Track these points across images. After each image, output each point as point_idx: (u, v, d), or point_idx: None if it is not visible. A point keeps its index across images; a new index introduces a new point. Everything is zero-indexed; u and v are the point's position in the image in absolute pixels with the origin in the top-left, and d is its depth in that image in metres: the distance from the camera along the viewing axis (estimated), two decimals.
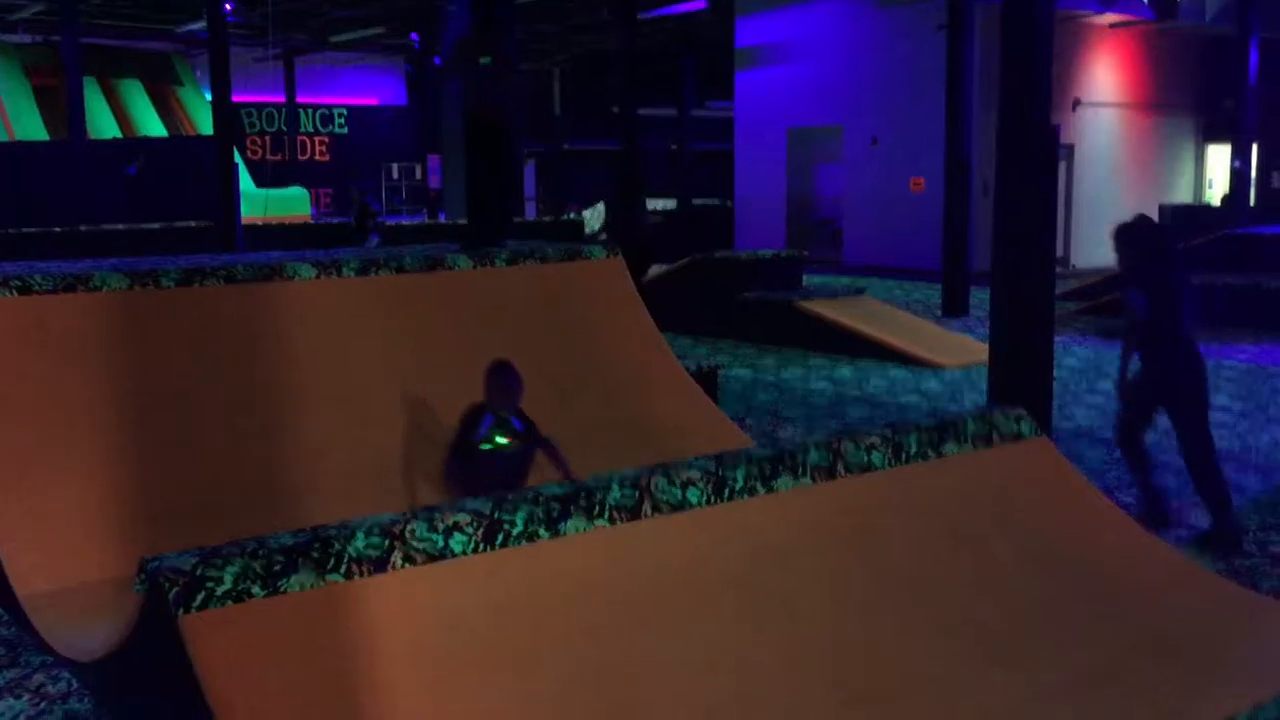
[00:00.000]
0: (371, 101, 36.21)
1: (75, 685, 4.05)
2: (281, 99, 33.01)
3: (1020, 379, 6.28)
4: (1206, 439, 5.65)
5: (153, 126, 28.60)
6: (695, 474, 4.07)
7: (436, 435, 5.56)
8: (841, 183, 22.10)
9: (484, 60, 7.40)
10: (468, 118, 7.52)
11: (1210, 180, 23.12)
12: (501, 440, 5.08)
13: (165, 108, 29.78)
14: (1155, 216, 20.82)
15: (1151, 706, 3.70)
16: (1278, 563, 5.16)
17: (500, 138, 7.46)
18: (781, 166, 23.03)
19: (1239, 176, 19.13)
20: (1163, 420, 5.82)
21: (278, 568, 3.18)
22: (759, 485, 4.17)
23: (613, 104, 19.78)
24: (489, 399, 5.08)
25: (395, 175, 35.43)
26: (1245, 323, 12.58)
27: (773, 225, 22.93)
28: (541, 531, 3.66)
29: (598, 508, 3.80)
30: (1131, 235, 5.76)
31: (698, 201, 25.14)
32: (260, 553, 3.20)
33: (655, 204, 22.60)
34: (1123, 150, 21.79)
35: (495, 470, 5.05)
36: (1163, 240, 5.81)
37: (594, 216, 24.65)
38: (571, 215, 24.13)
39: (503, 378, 5.09)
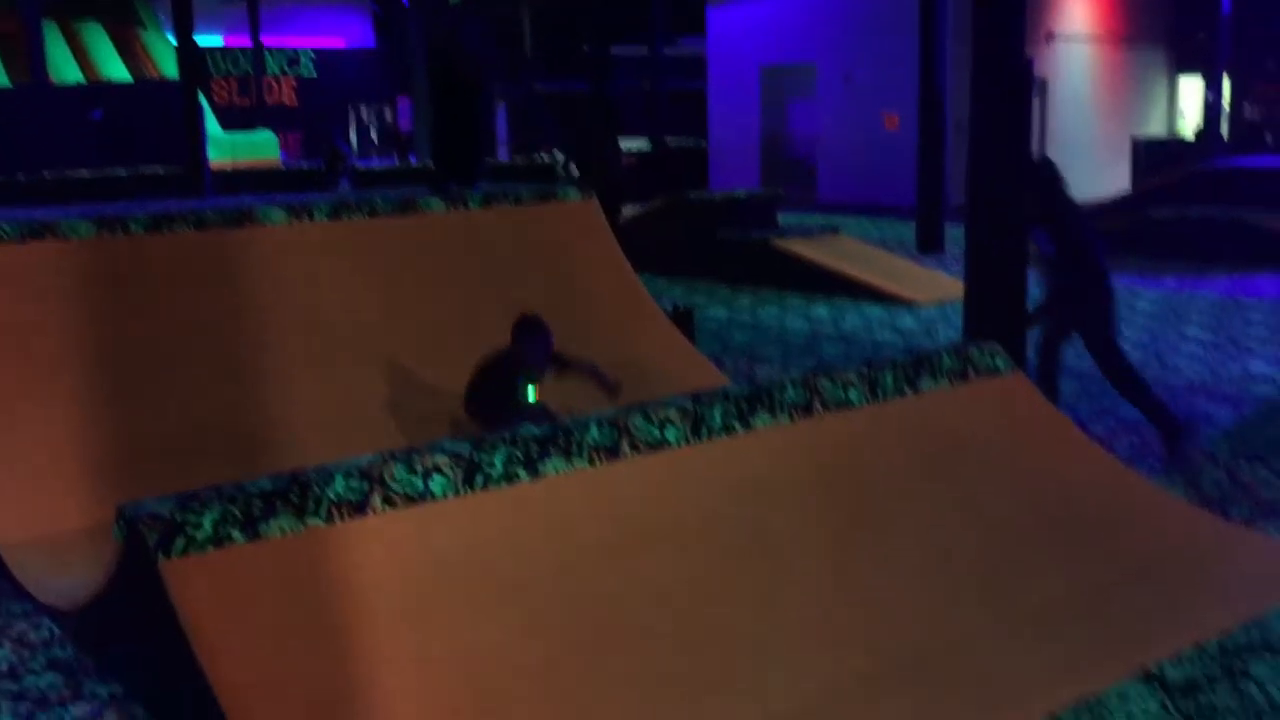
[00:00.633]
0: (339, 43, 35.64)
1: (57, 633, 4.05)
2: (247, 42, 32.44)
3: (995, 314, 6.30)
4: (1118, 354, 6.00)
5: (116, 70, 28.08)
6: (673, 413, 4.08)
7: (414, 377, 5.55)
8: (816, 120, 21.98)
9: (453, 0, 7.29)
10: (432, 58, 7.41)
11: (1183, 112, 23.13)
12: (532, 400, 4.96)
13: (128, 51, 29.20)
14: (1129, 150, 20.88)
15: (1125, 633, 3.77)
16: (1248, 491, 5.24)
17: (468, 77, 7.35)
18: (755, 105, 22.88)
19: (1211, 109, 19.15)
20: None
21: (257, 512, 3.18)
22: (737, 424, 4.19)
23: (584, 44, 19.54)
24: (520, 359, 4.90)
25: (365, 118, 34.97)
26: (1218, 255, 12.66)
27: (747, 164, 22.82)
28: (521, 472, 3.67)
29: (576, 448, 3.81)
30: (1036, 176, 6.14)
31: (671, 141, 24.97)
32: (239, 497, 3.20)
33: (629, 144, 22.43)
34: (1096, 84, 21.74)
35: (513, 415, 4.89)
36: (1061, 179, 6.13)
37: (568, 158, 24.42)
38: (544, 157, 23.92)
39: (537, 337, 4.92)
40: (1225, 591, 4.19)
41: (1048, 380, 6.10)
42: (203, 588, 3.01)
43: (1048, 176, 6.11)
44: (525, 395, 4.99)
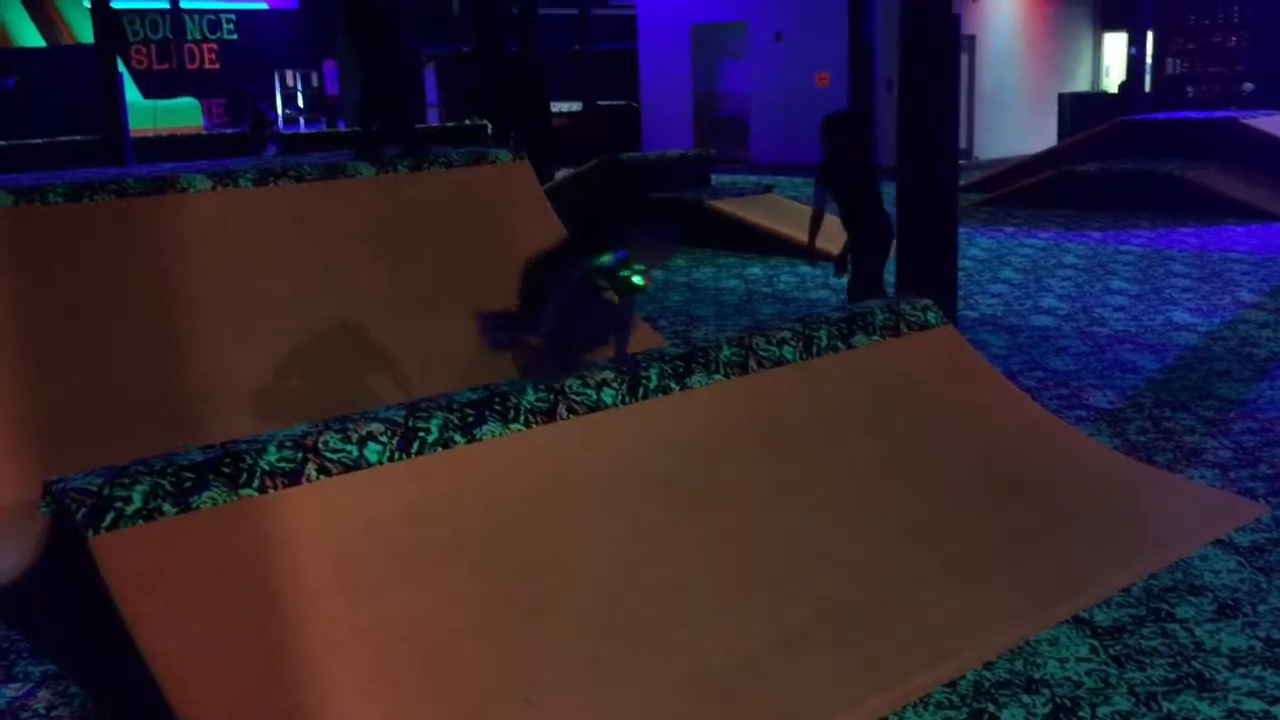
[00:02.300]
0: (261, 5, 34.82)
1: None
2: (165, 5, 31.56)
3: (926, 270, 6.38)
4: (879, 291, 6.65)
5: (29, 37, 27.21)
6: (609, 375, 4.08)
7: (346, 344, 5.47)
8: (748, 80, 21.95)
9: None
10: (349, 16, 7.25)
11: (1108, 68, 23.43)
12: (637, 280, 3.85)
13: (42, 16, 28.32)
14: (1055, 105, 21.14)
15: (1056, 579, 3.86)
16: (1170, 437, 5.37)
17: (385, 34, 7.19)
18: (686, 65, 22.77)
19: (1135, 64, 19.41)
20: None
21: (188, 484, 3.13)
22: (673, 383, 4.20)
23: (512, 4, 19.28)
24: (633, 248, 3.96)
25: (291, 82, 34.27)
26: (1141, 207, 12.89)
27: (679, 125, 22.74)
28: (457, 438, 3.65)
29: (513, 412, 3.80)
30: (835, 127, 6.65)
31: (603, 103, 24.80)
32: (169, 470, 3.14)
33: (560, 106, 22.24)
34: (1023, 40, 21.93)
35: (594, 320, 4.04)
36: (859, 131, 6.82)
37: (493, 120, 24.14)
38: (473, 120, 23.66)
39: (660, 233, 4.44)
40: (1151, 536, 4.30)
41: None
42: (134, 562, 2.96)
43: (847, 127, 6.66)
44: (627, 277, 3.87)
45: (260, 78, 32.10)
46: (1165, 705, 3.15)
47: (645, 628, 3.38)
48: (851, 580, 3.73)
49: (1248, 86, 20.20)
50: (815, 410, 4.49)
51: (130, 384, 5.20)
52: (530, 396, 3.86)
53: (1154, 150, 13.90)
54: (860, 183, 6.65)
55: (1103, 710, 3.14)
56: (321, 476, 3.34)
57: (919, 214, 6.42)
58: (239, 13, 34.17)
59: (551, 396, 3.90)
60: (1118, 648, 3.46)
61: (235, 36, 34.13)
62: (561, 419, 3.88)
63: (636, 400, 4.07)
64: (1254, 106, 17.36)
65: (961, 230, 6.37)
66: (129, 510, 3.02)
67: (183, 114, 24.78)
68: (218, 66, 33.72)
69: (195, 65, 33.24)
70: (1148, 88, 19.76)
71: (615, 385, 4.05)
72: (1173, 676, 3.29)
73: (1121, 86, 20.83)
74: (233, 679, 2.89)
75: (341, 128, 21.83)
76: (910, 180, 6.44)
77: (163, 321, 5.48)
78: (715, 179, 14.16)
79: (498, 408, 3.78)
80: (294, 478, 3.30)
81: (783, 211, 12.20)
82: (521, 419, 3.80)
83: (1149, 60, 20.13)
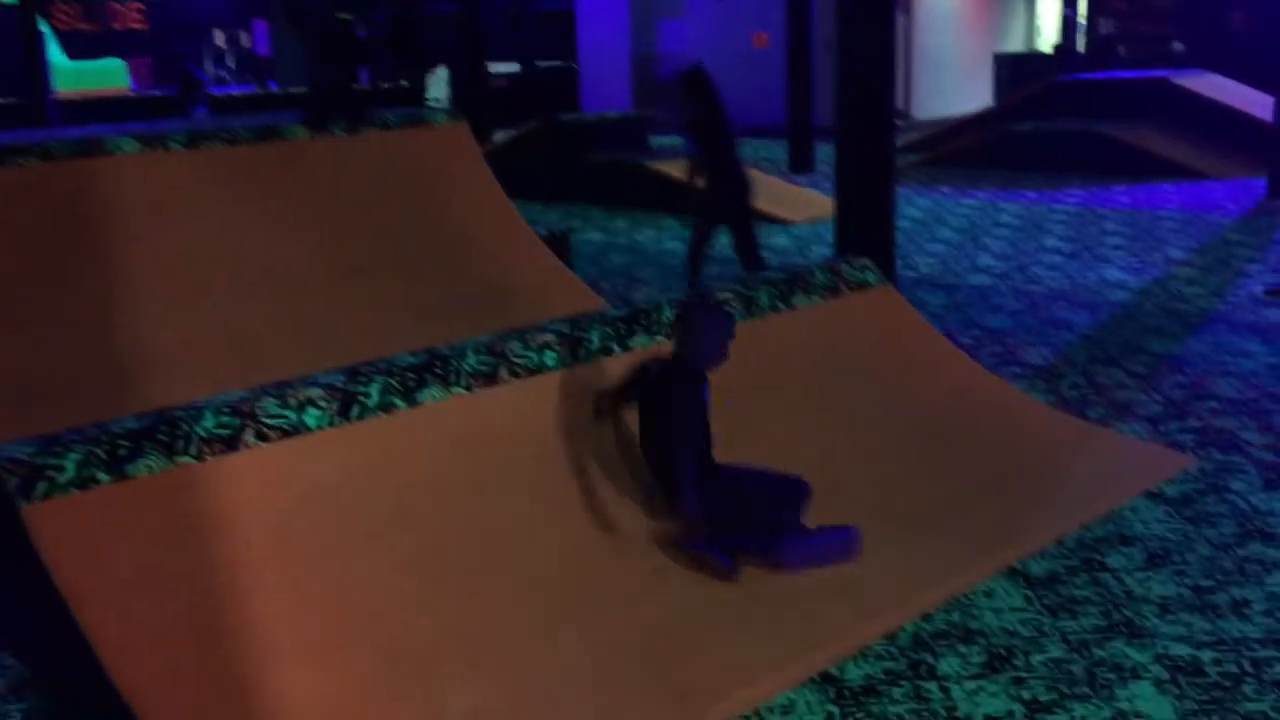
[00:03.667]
0: None
1: None
2: None
3: (865, 230, 6.42)
4: (754, 239, 6.94)
5: None
6: (550, 337, 4.07)
7: (281, 310, 5.39)
8: (686, 40, 21.84)
9: None
10: None
11: (1041, 28, 23.64)
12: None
13: None
14: (991, 66, 21.29)
15: (992, 532, 3.93)
16: (1102, 392, 5.48)
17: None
18: (625, 25, 22.60)
19: (1068, 24, 19.60)
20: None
21: (123, 452, 3.08)
22: (615, 345, 4.20)
23: None
24: (697, 352, 3.70)
25: (220, 43, 33.48)
26: (1074, 166, 13.07)
27: (618, 86, 22.60)
28: (398, 402, 3.62)
29: (454, 375, 3.78)
30: (696, 86, 6.74)
31: (541, 64, 24.55)
32: (103, 438, 3.09)
33: (498, 68, 21.99)
34: (959, 1, 22.04)
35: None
36: (714, 88, 6.77)
37: (435, 83, 23.86)
38: (410, 82, 23.32)
39: (721, 323, 3.78)
40: (1084, 488, 4.40)
41: (694, 269, 6.94)
42: (69, 532, 2.91)
43: (698, 83, 6.71)
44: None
45: (189, 38, 31.32)
46: (1096, 652, 3.24)
47: (592, 591, 3.40)
48: None
49: (1178, 46, 20.51)
50: (757, 369, 4.51)
51: (60, 353, 5.09)
52: (471, 359, 3.84)
53: (1087, 110, 14.07)
54: (718, 137, 6.79)
55: (1036, 658, 3.22)
56: (260, 443, 3.31)
57: (857, 174, 6.44)
58: None
59: (493, 360, 3.88)
60: (1051, 598, 3.55)
61: None
62: (503, 381, 3.87)
63: (578, 362, 4.07)
64: (1184, 66, 17.63)
65: (900, 190, 6.42)
66: (62, 479, 2.96)
67: (109, 75, 24.16)
68: (144, 26, 32.85)
69: (121, 25, 32.36)
70: (1080, 48, 19.98)
71: (557, 348, 4.04)
72: (1104, 624, 3.37)
73: (1055, 47, 21.05)
74: (172, 648, 2.86)
75: (274, 88, 21.42)
76: (848, 141, 6.46)
77: (93, 286, 5.37)
78: (655, 141, 14.12)
79: (438, 371, 3.75)
80: (232, 444, 3.26)
81: None
82: (463, 382, 3.78)
83: (1082, 21, 20.34)
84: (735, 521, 3.66)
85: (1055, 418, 5.03)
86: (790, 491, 3.75)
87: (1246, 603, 3.48)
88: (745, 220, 6.90)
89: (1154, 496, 4.26)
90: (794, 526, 3.71)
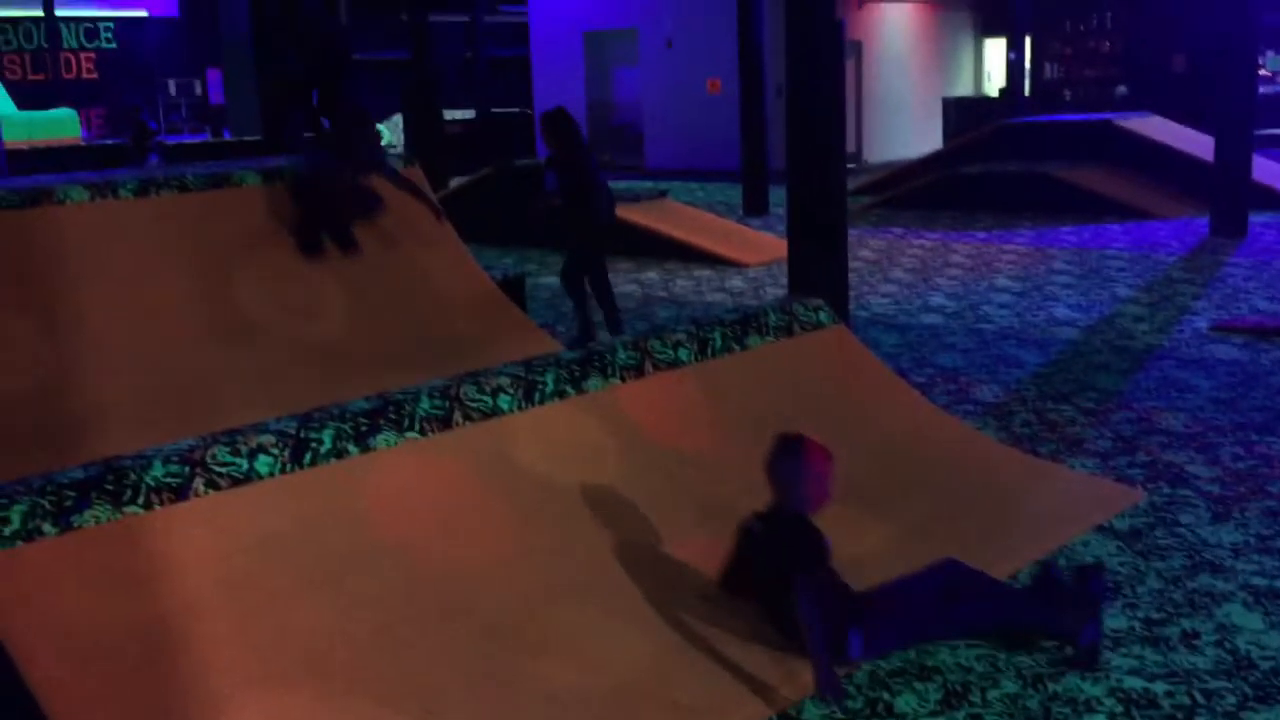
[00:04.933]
0: (140, 12, 33.86)
1: None
2: (40, 13, 30.51)
3: (818, 271, 6.49)
4: (604, 276, 7.44)
5: None
6: (505, 380, 4.06)
7: (233, 358, 5.34)
8: (640, 86, 22.06)
9: None
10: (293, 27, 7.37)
11: (989, 73, 24.12)
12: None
13: None
14: (940, 109, 21.65)
15: None
16: (1053, 429, 5.55)
17: (328, 45, 7.39)
18: (579, 72, 22.81)
19: (1015, 69, 20.02)
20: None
21: (69, 503, 3.04)
22: (569, 388, 4.20)
23: (401, 11, 19.08)
24: (795, 497, 3.45)
25: (173, 92, 33.37)
26: (1022, 208, 13.29)
27: None
28: (351, 448, 3.60)
29: (408, 420, 3.76)
30: (555, 125, 7.14)
31: (497, 110, 24.69)
32: (49, 489, 3.04)
33: (453, 114, 22.07)
34: (907, 46, 22.46)
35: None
36: (577, 129, 7.23)
37: (390, 129, 23.92)
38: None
39: (812, 458, 3.48)
40: (1036, 523, 4.44)
41: (580, 305, 7.42)
42: (14, 584, 2.85)
43: (556, 122, 7.13)
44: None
45: (141, 87, 31.21)
46: (1051, 686, 3.25)
47: (543, 637, 3.37)
48: None
49: (1121, 89, 20.98)
50: (712, 410, 4.53)
51: (7, 403, 5.01)
52: (425, 404, 3.83)
53: (1035, 152, 14.34)
54: (578, 174, 7.14)
55: (992, 694, 3.23)
56: (210, 491, 3.27)
57: (809, 216, 6.52)
58: (117, 20, 33.17)
59: (447, 404, 3.87)
60: (1005, 633, 3.56)
61: (114, 45, 33.14)
62: (458, 426, 3.86)
63: (532, 405, 4.07)
64: (1128, 108, 18.03)
65: (852, 232, 6.50)
66: (7, 531, 2.91)
67: (60, 125, 23.96)
68: (96, 76, 32.70)
69: (72, 75, 32.19)
70: (1027, 91, 20.39)
71: (511, 391, 4.03)
72: (1058, 658, 3.40)
73: (1002, 91, 21.46)
74: (121, 701, 2.81)
75: (227, 136, 21.35)
76: (800, 184, 6.54)
77: (41, 335, 5.30)
78: (610, 185, 14.17)
79: (392, 416, 3.74)
80: (181, 493, 3.22)
81: (678, 217, 12.29)
82: (417, 427, 3.76)
83: (1028, 65, 20.78)
84: (928, 635, 3.46)
85: (1007, 454, 5.08)
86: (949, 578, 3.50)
87: (1197, 634, 3.51)
88: (599, 257, 7.37)
89: (1105, 530, 4.31)
90: (1016, 602, 3.53)
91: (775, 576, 3.35)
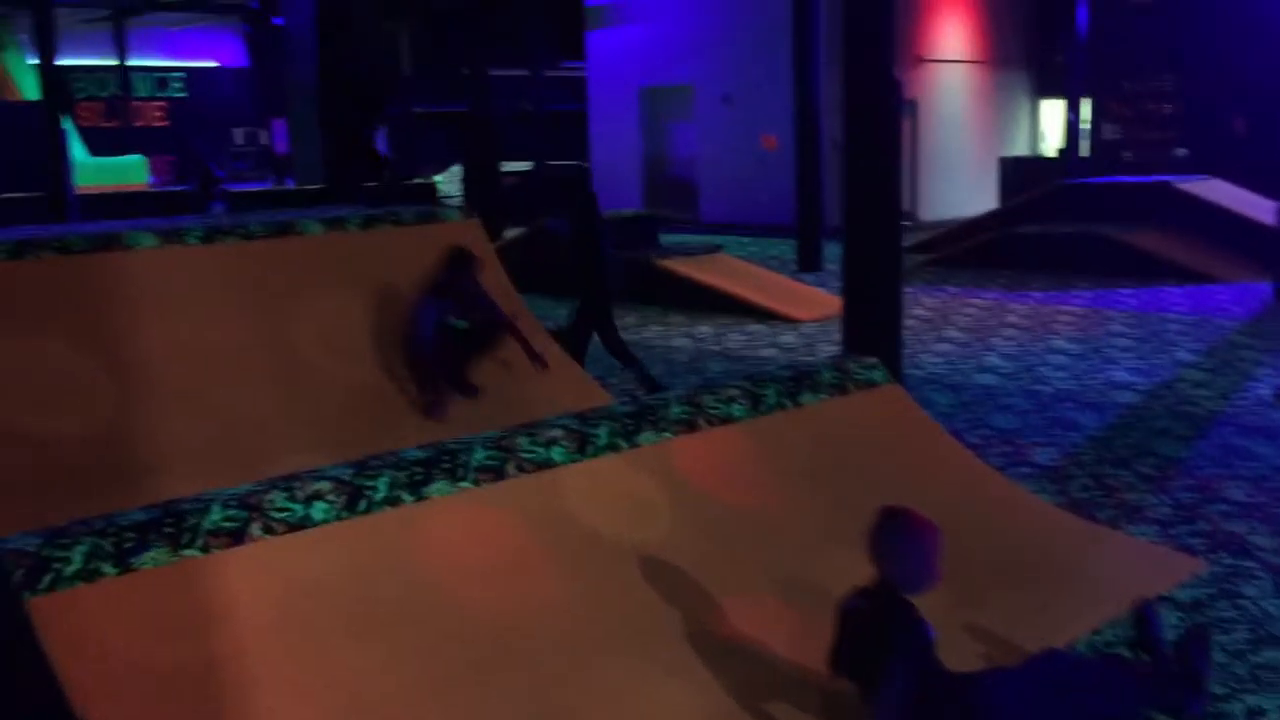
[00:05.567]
0: (210, 63, 34.80)
1: None
2: (114, 62, 31.45)
3: (872, 329, 6.47)
4: (614, 333, 7.66)
5: None
6: (558, 432, 4.08)
7: (293, 403, 5.41)
8: (696, 142, 22.24)
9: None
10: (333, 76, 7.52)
11: (1044, 134, 24.03)
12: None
13: None
14: (996, 169, 21.58)
15: (1001, 634, 3.88)
16: (1112, 493, 5.46)
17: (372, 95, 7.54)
18: (635, 126, 23.05)
19: (1071, 129, 19.93)
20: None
21: (129, 545, 3.08)
22: (622, 441, 4.21)
23: (463, 65, 19.44)
24: (900, 573, 3.21)
25: (240, 140, 34.19)
26: (1081, 269, 13.16)
27: (629, 185, 22.96)
28: (405, 496, 3.63)
29: (461, 470, 3.78)
30: (574, 195, 7.63)
31: (554, 163, 24.99)
32: (110, 530, 3.09)
33: (512, 166, 22.37)
34: (963, 105, 22.45)
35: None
36: (593, 200, 7.64)
37: (449, 180, 24.29)
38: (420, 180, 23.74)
39: (918, 536, 3.26)
40: (1094, 591, 4.35)
41: (579, 352, 7.52)
42: (73, 625, 2.90)
43: (584, 197, 7.59)
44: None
45: (208, 135, 32.00)
46: None
47: (597, 688, 3.36)
48: (797, 640, 3.72)
49: (1181, 151, 20.80)
50: (764, 467, 4.51)
51: (73, 444, 5.11)
52: (479, 454, 3.85)
53: (1092, 213, 14.23)
54: (584, 238, 7.46)
55: None
56: (266, 535, 3.30)
57: (864, 274, 6.51)
58: (188, 70, 34.13)
59: (501, 455, 3.89)
60: None
61: (184, 94, 34.06)
62: (511, 476, 3.87)
63: (585, 457, 4.07)
64: (1187, 171, 17.86)
65: (907, 290, 6.48)
66: (68, 571, 2.96)
67: (129, 171, 24.62)
68: (166, 124, 33.59)
69: (143, 123, 33.10)
70: (1085, 152, 20.28)
71: (565, 443, 4.05)
72: None
73: (1059, 151, 21.36)
74: None
75: (290, 185, 21.78)
76: (856, 240, 6.55)
77: (108, 378, 5.41)
78: (665, 239, 14.29)
79: (446, 465, 3.76)
80: (238, 537, 3.25)
81: (731, 271, 12.32)
82: (470, 477, 3.78)
83: (1086, 125, 20.69)
84: None
85: (1065, 519, 5.00)
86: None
87: (1262, 711, 3.42)
88: (605, 307, 7.56)
89: (1166, 601, 4.21)
90: (1127, 687, 3.31)
91: (873, 660, 3.11)
